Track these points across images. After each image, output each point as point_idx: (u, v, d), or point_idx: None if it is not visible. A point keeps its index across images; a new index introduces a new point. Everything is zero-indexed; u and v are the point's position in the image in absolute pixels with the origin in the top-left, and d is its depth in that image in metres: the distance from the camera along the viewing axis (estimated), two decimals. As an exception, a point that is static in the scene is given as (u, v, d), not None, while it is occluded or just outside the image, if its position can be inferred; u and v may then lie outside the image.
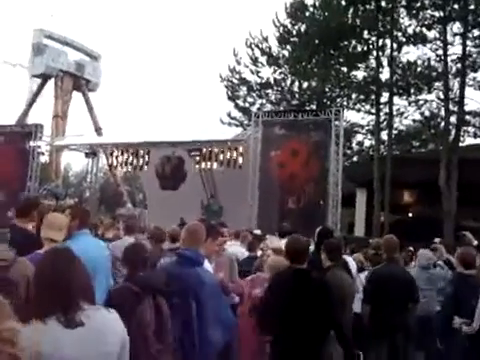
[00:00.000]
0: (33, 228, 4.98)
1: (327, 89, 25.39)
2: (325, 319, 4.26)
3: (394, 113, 24.30)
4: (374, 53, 24.52)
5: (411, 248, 10.09)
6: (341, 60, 25.20)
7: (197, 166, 18.45)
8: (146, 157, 18.89)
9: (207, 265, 4.91)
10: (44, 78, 45.38)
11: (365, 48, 24.93)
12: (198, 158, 18.21)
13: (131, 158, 19.18)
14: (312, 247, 7.23)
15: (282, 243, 7.03)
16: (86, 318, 2.29)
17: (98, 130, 43.73)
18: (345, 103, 25.90)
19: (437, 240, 9.08)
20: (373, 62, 24.63)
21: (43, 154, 23.06)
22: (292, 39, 26.88)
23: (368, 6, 24.06)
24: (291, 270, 4.42)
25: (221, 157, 17.67)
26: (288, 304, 4.19)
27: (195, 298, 3.96)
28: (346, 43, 24.78)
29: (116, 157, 19.47)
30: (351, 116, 34.21)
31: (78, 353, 2.25)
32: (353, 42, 24.89)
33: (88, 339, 2.29)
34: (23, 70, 46.81)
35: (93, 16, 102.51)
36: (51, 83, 45.74)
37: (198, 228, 4.46)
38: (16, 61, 47.34)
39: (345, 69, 25.47)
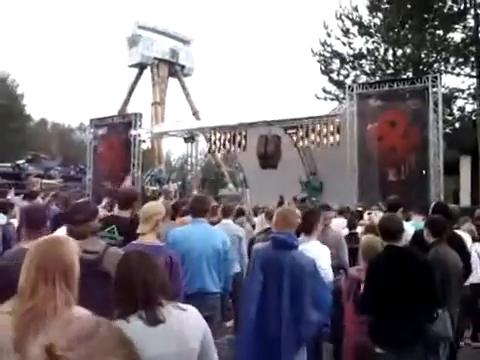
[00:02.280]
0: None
1: (423, 55, 24.47)
2: (427, 298, 4.22)
3: (497, 74, 23.15)
4: (472, 12, 23.39)
5: None
6: (436, 23, 24.22)
7: (295, 144, 18.55)
8: (243, 138, 19.18)
9: (312, 245, 5.07)
10: (140, 67, 46.88)
11: (462, 7, 23.81)
12: (295, 136, 18.32)
13: (229, 140, 19.54)
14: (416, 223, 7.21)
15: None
16: (167, 314, 2.37)
17: (195, 114, 44.72)
18: (443, 68, 24.87)
19: None
20: (471, 21, 23.51)
21: (144, 141, 23.99)
22: (383, 6, 26.10)
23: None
24: (389, 250, 4.41)
25: (318, 133, 17.65)
26: (389, 285, 4.19)
27: (291, 280, 4.12)
28: (440, 4, 23.77)
29: (214, 140, 19.91)
30: (450, 81, 32.75)
31: (161, 350, 2.32)
32: (448, 2, 23.84)
33: (170, 336, 2.36)
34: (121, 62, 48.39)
35: (182, 2, 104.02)
36: (147, 72, 47.20)
37: (290, 212, 4.61)
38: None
39: (441, 32, 24.46)
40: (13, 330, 2.19)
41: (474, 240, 7.26)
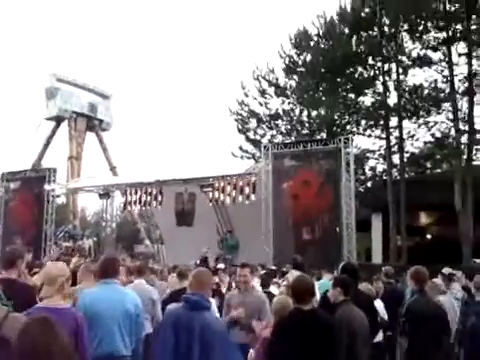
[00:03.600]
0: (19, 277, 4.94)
1: (336, 116, 25.42)
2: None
3: (404, 136, 24.30)
4: (380, 78, 24.67)
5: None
6: (348, 87, 25.37)
7: (210, 201, 18.58)
8: (159, 195, 19.07)
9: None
10: (58, 120, 46.12)
11: (371, 74, 25.10)
12: (211, 194, 18.37)
13: (145, 196, 19.37)
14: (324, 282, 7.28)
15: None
16: None
17: (113, 169, 44.25)
18: (355, 129, 25.92)
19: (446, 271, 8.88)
20: (380, 87, 24.76)
21: (58, 196, 23.38)
22: (298, 69, 27.09)
23: (371, 32, 24.34)
24: (294, 313, 4.45)
25: (233, 191, 17.78)
26: (293, 347, 4.22)
27: (201, 342, 4.02)
28: (352, 70, 24.95)
29: (130, 196, 19.67)
30: (362, 142, 34.22)
31: None
32: (359, 68, 25.08)
33: None
34: (37, 114, 47.46)
35: (102, 57, 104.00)
36: (65, 125, 46.46)
37: (204, 273, 4.55)
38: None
39: (353, 96, 25.62)
40: None
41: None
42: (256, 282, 9.39)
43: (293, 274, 7.59)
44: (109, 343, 4.83)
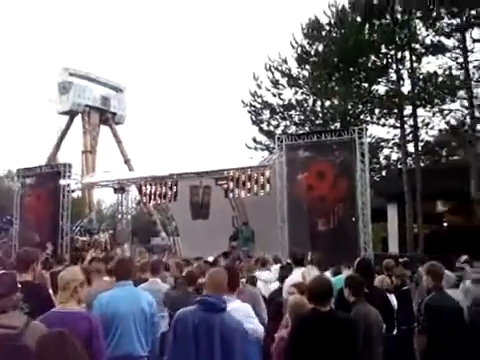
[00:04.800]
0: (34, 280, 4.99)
1: (349, 106, 25.31)
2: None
3: (419, 125, 24.18)
4: (394, 66, 24.50)
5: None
6: (361, 76, 25.19)
7: (225, 194, 18.60)
8: (174, 188, 19.09)
9: (236, 304, 5.02)
10: (71, 115, 46.40)
11: (384, 62, 24.91)
12: (226, 186, 18.39)
13: (160, 190, 19.40)
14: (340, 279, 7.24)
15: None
16: None
17: (127, 162, 44.45)
18: (369, 118, 25.82)
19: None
20: (393, 75, 24.62)
21: (74, 191, 23.48)
22: (311, 59, 26.95)
23: (384, 20, 24.09)
24: (312, 314, 4.45)
25: (248, 183, 17.79)
26: (311, 348, 4.23)
27: (221, 344, 4.04)
28: (365, 59, 24.74)
29: (145, 191, 19.74)
30: (376, 131, 34.04)
31: None
32: (372, 57, 24.86)
33: None
34: (51, 108, 47.71)
35: (115, 50, 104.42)
36: (78, 119, 46.71)
37: (220, 275, 4.57)
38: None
39: (366, 85, 25.44)
40: None
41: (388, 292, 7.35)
42: (267, 274, 9.42)
43: (310, 272, 7.51)
44: (127, 344, 4.93)
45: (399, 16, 23.78)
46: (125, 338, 4.91)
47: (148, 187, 19.59)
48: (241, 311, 4.85)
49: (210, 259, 11.78)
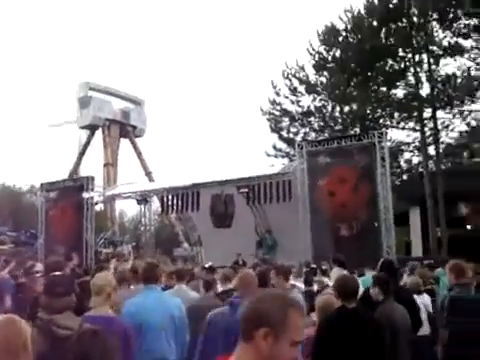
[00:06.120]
0: None
1: (368, 111, 25.27)
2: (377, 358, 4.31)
3: (439, 127, 24.03)
4: (412, 70, 24.42)
5: None
6: (379, 80, 25.16)
7: (247, 202, 18.66)
8: (196, 198, 19.19)
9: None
10: (92, 129, 46.88)
11: (402, 66, 24.86)
12: (247, 194, 18.44)
13: (182, 200, 19.51)
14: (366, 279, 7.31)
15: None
16: None
17: (148, 174, 44.74)
18: (388, 123, 25.72)
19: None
20: (412, 79, 24.51)
21: (96, 204, 23.69)
22: (328, 65, 26.94)
23: (400, 24, 24.06)
24: (340, 311, 4.51)
25: (269, 191, 17.83)
26: (339, 346, 4.26)
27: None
28: (382, 63, 24.73)
29: (167, 201, 19.87)
30: (396, 135, 33.87)
31: None
32: (389, 61, 24.85)
33: None
34: (71, 125, 48.27)
35: (133, 63, 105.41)
36: (99, 133, 47.19)
37: (251, 277, 4.63)
38: (61, 120, 48.69)
39: (384, 89, 25.41)
40: None
41: (418, 292, 7.35)
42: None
43: (335, 272, 7.62)
44: (157, 350, 4.93)
45: (415, 19, 23.74)
46: (155, 344, 4.92)
47: (170, 198, 19.73)
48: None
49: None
